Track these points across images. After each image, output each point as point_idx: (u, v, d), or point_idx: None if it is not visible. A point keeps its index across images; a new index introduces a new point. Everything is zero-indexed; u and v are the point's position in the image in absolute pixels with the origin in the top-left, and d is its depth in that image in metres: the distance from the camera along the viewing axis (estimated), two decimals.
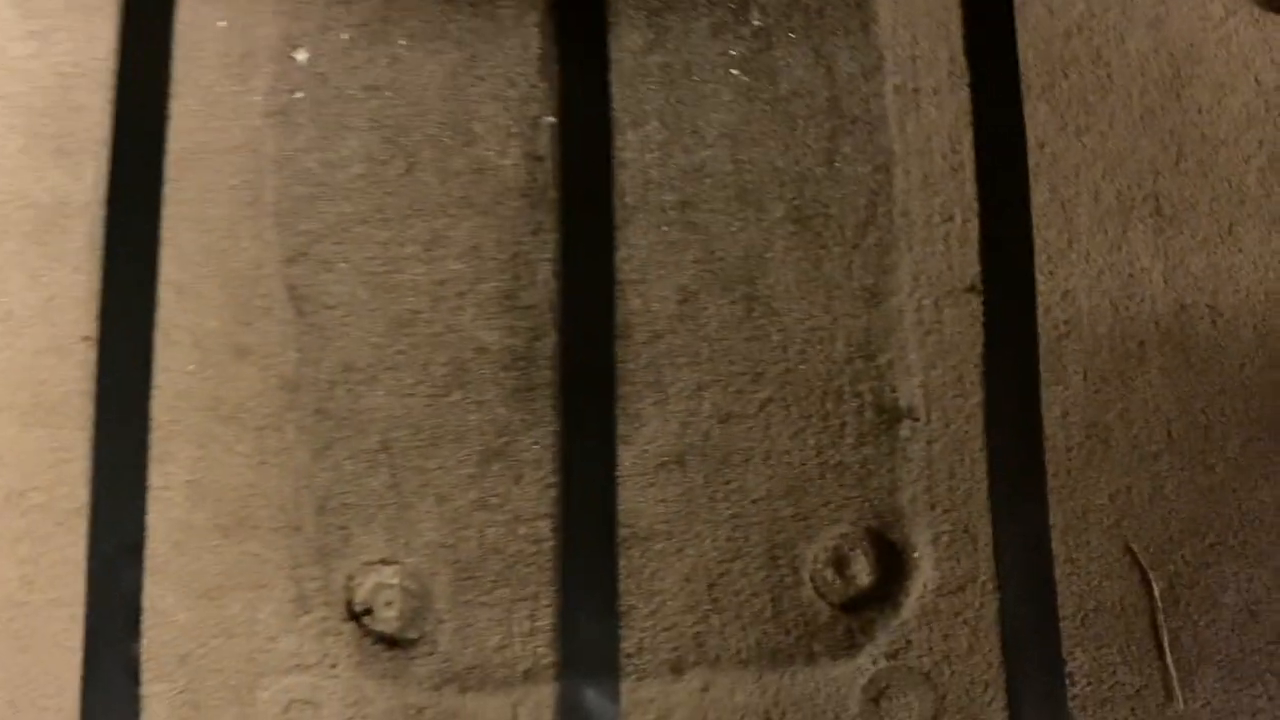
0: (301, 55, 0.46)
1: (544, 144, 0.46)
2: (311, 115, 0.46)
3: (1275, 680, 0.44)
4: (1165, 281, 0.47)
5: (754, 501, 0.45)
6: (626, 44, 0.47)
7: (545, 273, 0.46)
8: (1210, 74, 0.48)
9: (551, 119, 0.47)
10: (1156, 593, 0.45)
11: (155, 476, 0.44)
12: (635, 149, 0.47)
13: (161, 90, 0.45)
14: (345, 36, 0.47)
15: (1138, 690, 0.44)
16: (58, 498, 0.44)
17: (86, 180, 0.45)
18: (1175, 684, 0.44)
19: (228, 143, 0.46)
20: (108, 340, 0.45)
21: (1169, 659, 0.44)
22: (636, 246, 0.46)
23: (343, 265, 0.45)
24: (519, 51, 0.47)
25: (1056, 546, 0.45)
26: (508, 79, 0.47)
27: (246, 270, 0.45)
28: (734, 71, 0.47)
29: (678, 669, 0.43)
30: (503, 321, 0.45)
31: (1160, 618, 0.45)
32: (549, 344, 0.45)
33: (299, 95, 0.46)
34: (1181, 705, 0.44)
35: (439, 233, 0.46)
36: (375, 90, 0.46)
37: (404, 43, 0.47)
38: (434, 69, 0.47)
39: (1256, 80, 0.48)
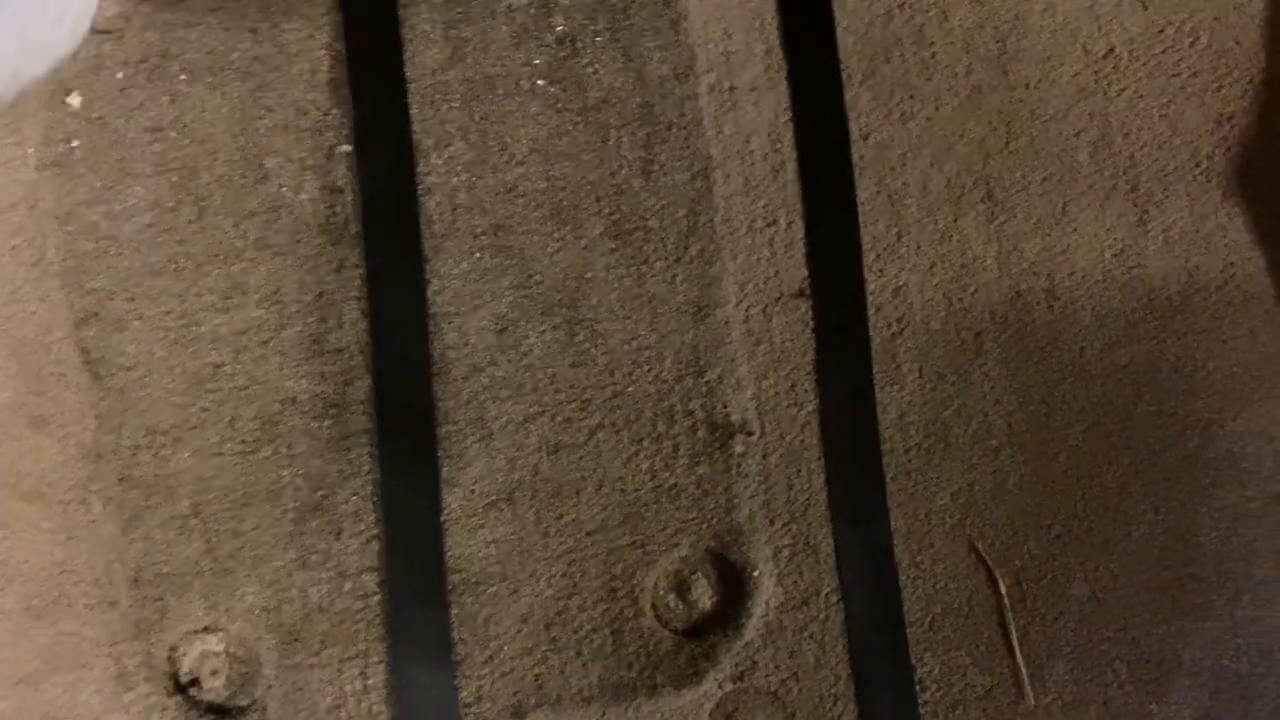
0: (75, 100, 0.43)
1: (342, 175, 0.44)
2: (91, 164, 0.43)
3: (1125, 666, 0.44)
4: (1000, 269, 0.46)
5: (589, 534, 0.43)
6: (423, 61, 0.45)
7: (353, 312, 0.44)
8: (1037, 46, 0.46)
9: (348, 147, 0.44)
10: (1004, 590, 0.44)
11: None
12: (441, 172, 0.44)
13: None
14: (120, 76, 0.44)
15: (989, 690, 0.44)
16: None
17: None
18: (1026, 681, 0.44)
19: (4, 200, 0.43)
20: None
21: (1019, 656, 0.44)
22: (449, 277, 0.44)
23: (136, 323, 0.43)
24: (308, 77, 0.44)
25: (900, 551, 0.44)
26: (298, 108, 0.44)
27: (36, 336, 0.43)
28: (540, 82, 0.45)
29: (519, 714, 0.42)
30: (311, 368, 0.43)
31: (1008, 615, 0.44)
32: (362, 388, 0.43)
33: (75, 144, 0.43)
34: (1032, 702, 0.44)
35: (236, 279, 0.43)
36: (157, 132, 0.44)
37: (184, 78, 0.44)
38: (218, 103, 0.44)
39: (1084, 49, 0.46)
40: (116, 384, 0.43)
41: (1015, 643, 0.44)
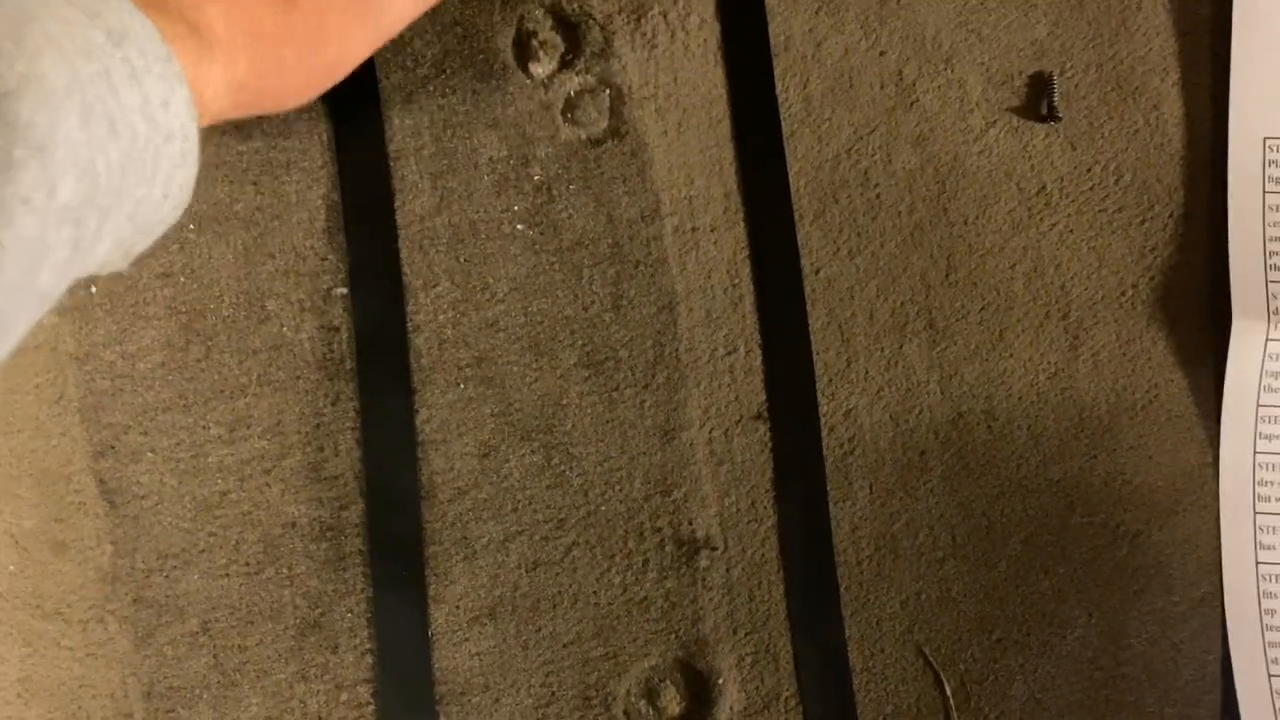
0: None
1: (338, 314, 0.48)
2: (107, 308, 0.47)
3: None
4: (942, 392, 0.50)
5: (565, 645, 0.47)
6: (412, 208, 0.49)
7: (348, 442, 0.48)
8: (974, 186, 0.50)
9: (343, 289, 0.48)
10: (949, 691, 0.48)
11: None
12: (429, 310, 0.48)
13: None
14: None
15: None
16: None
17: None
18: None
19: (28, 343, 0.47)
20: None
21: None
22: (436, 406, 0.48)
23: (150, 455, 0.47)
24: (306, 225, 0.48)
25: (854, 657, 0.48)
26: (297, 253, 0.48)
27: (57, 467, 0.47)
28: (519, 226, 0.49)
29: None
30: (309, 494, 0.47)
31: (954, 715, 0.48)
32: (356, 512, 0.47)
33: (93, 289, 0.47)
34: None
35: (241, 413, 0.47)
36: (168, 277, 0.48)
37: (192, 227, 0.48)
38: (224, 251, 0.48)
39: (1018, 188, 0.51)
40: (131, 511, 0.47)
41: None
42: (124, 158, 0.32)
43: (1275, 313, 0.49)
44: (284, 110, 0.42)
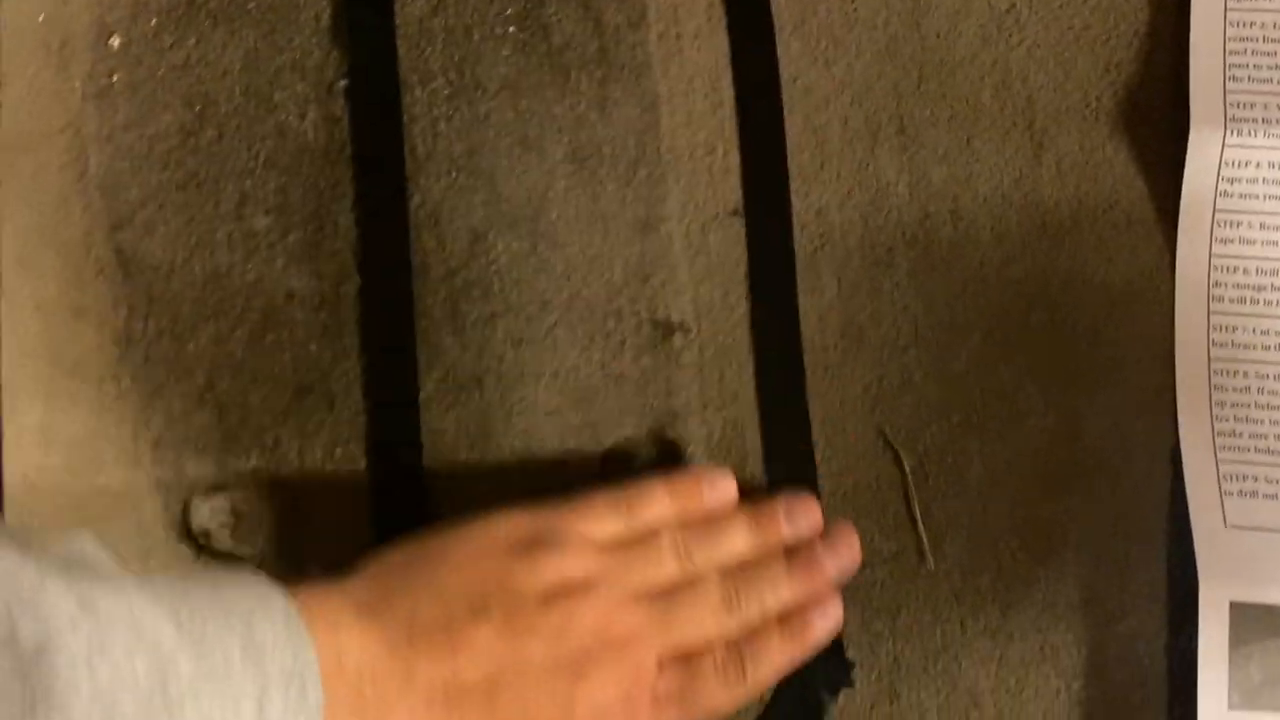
0: (115, 41, 0.51)
1: (339, 106, 0.51)
2: (128, 96, 0.51)
3: (1017, 539, 0.50)
4: (910, 193, 0.52)
5: (546, 415, 0.50)
6: (410, 11, 0.52)
7: (347, 221, 0.51)
8: (946, 2, 0.53)
9: (344, 83, 0.51)
10: (908, 470, 0.50)
11: (8, 426, 0.49)
12: (424, 105, 0.52)
13: None
14: (154, 22, 0.51)
15: (894, 555, 0.50)
16: None
17: None
18: (927, 548, 0.50)
19: (55, 126, 0.51)
20: None
21: (920, 527, 0.50)
22: (429, 192, 0.51)
23: (163, 228, 0.50)
24: (312, 24, 0.52)
25: (817, 435, 0.51)
26: (303, 50, 0.52)
27: (78, 239, 0.50)
28: (511, 29, 0.52)
29: None
30: (309, 268, 0.50)
31: (912, 492, 0.50)
32: (353, 286, 0.50)
33: (115, 78, 0.51)
34: (933, 565, 0.50)
35: (248, 192, 0.51)
36: (185, 69, 0.51)
37: (208, 23, 0.51)
38: (235, 45, 0.51)
39: (989, 5, 0.53)
40: (145, 280, 0.50)
41: (918, 515, 0.50)
42: None
43: (1232, 119, 0.51)
44: None
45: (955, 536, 0.50)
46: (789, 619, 0.45)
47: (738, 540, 0.45)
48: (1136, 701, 0.49)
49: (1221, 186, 0.51)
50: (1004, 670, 0.49)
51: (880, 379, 0.51)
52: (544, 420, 0.50)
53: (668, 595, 0.42)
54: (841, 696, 0.49)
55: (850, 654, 0.49)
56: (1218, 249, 0.51)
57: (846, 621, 0.49)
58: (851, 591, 0.49)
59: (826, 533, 0.48)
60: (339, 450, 0.50)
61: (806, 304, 0.51)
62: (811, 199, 0.52)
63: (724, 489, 0.47)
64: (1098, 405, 0.51)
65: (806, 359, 0.51)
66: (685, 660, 0.41)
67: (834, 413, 0.51)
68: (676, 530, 0.44)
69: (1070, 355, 0.51)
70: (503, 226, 0.51)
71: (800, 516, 0.47)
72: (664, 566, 0.42)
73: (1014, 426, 0.51)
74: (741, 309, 0.51)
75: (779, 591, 0.45)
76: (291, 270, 0.50)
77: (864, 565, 0.50)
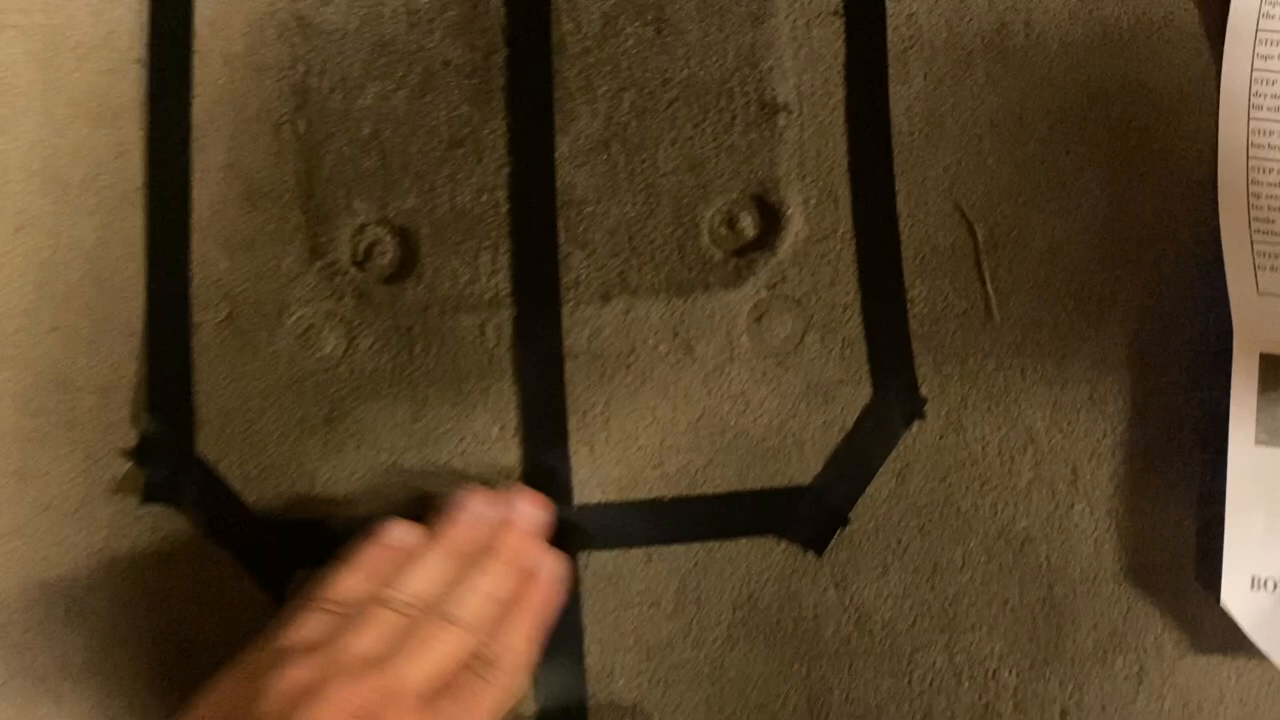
0: None
1: None
2: None
3: (1072, 300, 0.57)
4: (989, 4, 0.59)
5: (663, 175, 0.57)
6: None
7: (497, 2, 0.58)
8: None
9: None
10: (979, 238, 0.57)
11: (196, 162, 0.56)
12: None
13: None
14: None
15: (965, 310, 0.57)
16: (121, 180, 0.56)
17: None
18: (994, 305, 0.57)
19: None
20: (156, 62, 0.57)
21: (989, 287, 0.57)
22: None
23: (337, 1, 0.58)
24: None
25: (901, 206, 0.58)
26: None
27: (264, 6, 0.58)
28: None
29: (606, 297, 0.56)
30: (464, 41, 0.58)
31: (982, 257, 0.57)
32: (501, 57, 0.58)
33: None
34: (998, 320, 0.57)
35: None
36: None
37: None
38: None
39: None
40: (321, 44, 0.57)
41: (987, 277, 0.57)
42: None
43: None
44: None
45: (1019, 296, 0.57)
46: (516, 591, 0.45)
47: (433, 570, 0.45)
48: (1174, 444, 0.56)
49: (1264, 9, 0.59)
50: (1057, 413, 0.56)
51: (958, 161, 0.58)
52: (660, 180, 0.57)
53: (395, 646, 0.40)
54: (915, 426, 0.56)
55: (924, 391, 0.56)
56: (1259, 64, 0.58)
57: (920, 364, 0.56)
58: (925, 340, 0.56)
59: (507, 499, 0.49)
60: (485, 196, 0.57)
61: (895, 94, 0.58)
62: (904, 4, 0.59)
63: (399, 533, 0.47)
64: (1146, 191, 0.58)
65: (894, 141, 0.58)
66: (444, 685, 0.41)
67: (916, 189, 0.58)
68: (369, 589, 0.43)
69: (1124, 148, 0.58)
70: (632, 13, 0.58)
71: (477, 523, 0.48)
72: (378, 626, 0.41)
73: (1073, 206, 0.58)
74: (839, 95, 0.58)
75: (489, 578, 0.45)
76: (448, 42, 0.58)
77: (938, 318, 0.57)
